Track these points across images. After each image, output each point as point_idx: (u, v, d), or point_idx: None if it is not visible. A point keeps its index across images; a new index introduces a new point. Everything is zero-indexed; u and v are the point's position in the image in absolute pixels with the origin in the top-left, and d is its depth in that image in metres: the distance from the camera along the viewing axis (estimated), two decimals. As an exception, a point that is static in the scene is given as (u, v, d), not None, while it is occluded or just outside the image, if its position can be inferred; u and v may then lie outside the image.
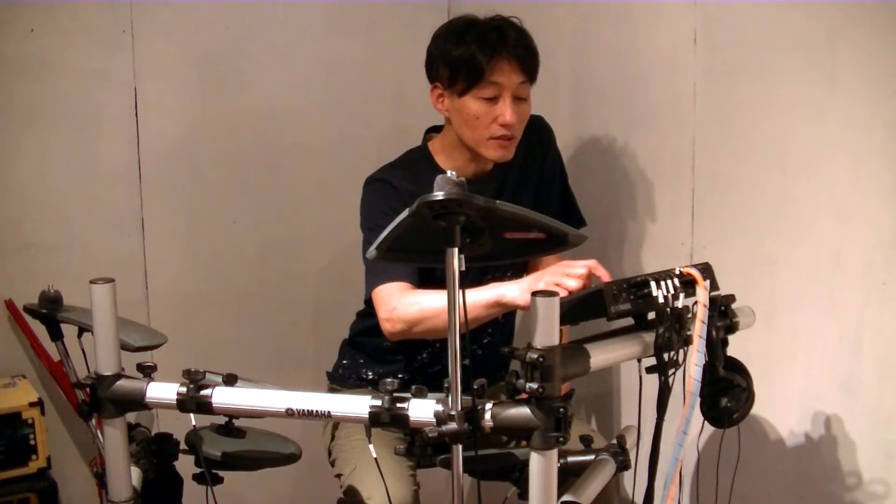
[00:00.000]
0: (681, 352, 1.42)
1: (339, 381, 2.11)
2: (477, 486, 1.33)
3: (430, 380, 1.96)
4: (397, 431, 1.79)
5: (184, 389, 1.38)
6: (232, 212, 2.51)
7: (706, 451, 1.80)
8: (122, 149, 2.34)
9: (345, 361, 2.11)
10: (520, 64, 1.82)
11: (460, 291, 1.21)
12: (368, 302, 1.93)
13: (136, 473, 1.49)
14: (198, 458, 1.51)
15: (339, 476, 1.87)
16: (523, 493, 1.37)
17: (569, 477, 1.50)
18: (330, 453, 1.96)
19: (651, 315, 1.43)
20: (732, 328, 1.54)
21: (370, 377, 2.04)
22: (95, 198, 2.32)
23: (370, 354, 2.06)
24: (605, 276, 1.60)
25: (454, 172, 1.17)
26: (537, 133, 2.03)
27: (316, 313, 2.64)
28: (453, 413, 1.23)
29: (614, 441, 1.56)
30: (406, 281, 1.83)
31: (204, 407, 1.38)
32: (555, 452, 1.24)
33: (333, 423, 1.96)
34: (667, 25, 2.01)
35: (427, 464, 1.53)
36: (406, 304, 1.78)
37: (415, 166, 1.96)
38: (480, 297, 1.70)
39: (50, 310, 1.56)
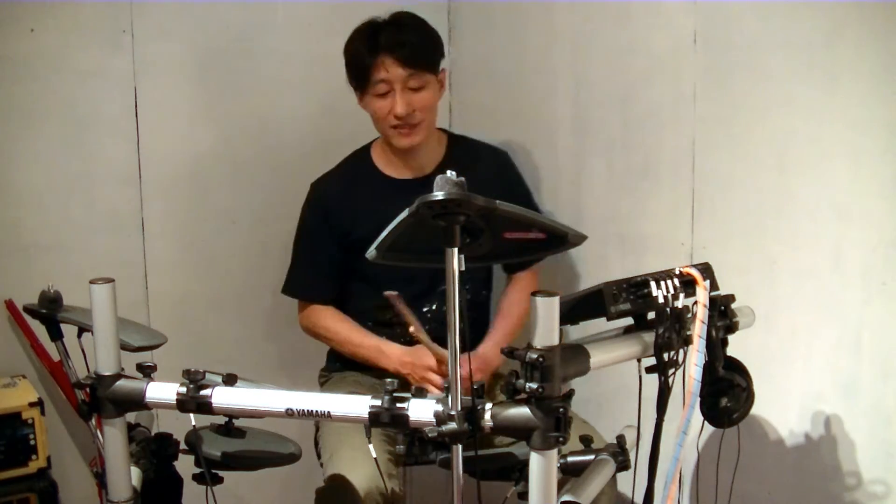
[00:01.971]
0: (681, 352, 1.42)
1: (328, 370, 2.25)
2: (477, 487, 1.33)
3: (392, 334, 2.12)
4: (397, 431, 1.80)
5: (184, 389, 1.38)
6: (232, 212, 2.51)
7: (706, 451, 1.80)
8: (122, 149, 2.34)
9: (330, 352, 2.25)
10: (399, 59, 1.94)
11: (460, 291, 1.21)
12: (342, 300, 2.19)
13: (136, 473, 1.49)
14: (198, 458, 1.51)
15: (322, 465, 1.90)
16: (523, 493, 1.37)
17: (569, 477, 1.50)
18: (316, 444, 2.00)
19: (651, 315, 1.43)
20: (732, 328, 1.54)
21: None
22: (95, 198, 2.32)
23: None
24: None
25: (454, 172, 1.17)
26: (495, 166, 2.16)
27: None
28: (453, 413, 1.23)
29: (614, 441, 1.56)
30: (318, 303, 2.16)
31: (204, 407, 1.38)
32: (555, 452, 1.24)
33: None
34: (667, 25, 2.01)
35: (424, 460, 1.53)
36: (312, 326, 2.18)
37: (352, 169, 2.15)
38: (364, 342, 2.07)
39: (50, 310, 1.56)
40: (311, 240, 2.17)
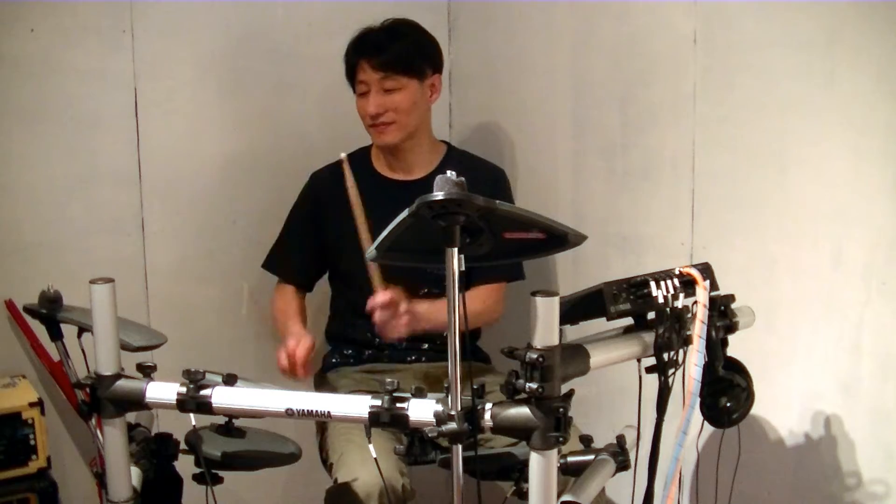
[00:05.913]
0: (680, 352, 1.42)
1: (324, 368, 2.27)
2: (477, 486, 1.33)
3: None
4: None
5: (184, 389, 1.38)
6: (232, 212, 2.51)
7: (706, 451, 1.80)
8: (122, 149, 2.34)
9: (327, 353, 2.28)
10: (375, 63, 2.08)
11: (460, 292, 1.21)
12: (333, 299, 2.32)
13: (136, 473, 1.49)
14: (198, 458, 1.51)
15: (331, 466, 1.90)
16: (523, 493, 1.37)
17: (569, 477, 1.50)
18: (321, 448, 1.99)
19: (651, 315, 1.43)
20: (732, 328, 1.54)
21: (348, 352, 2.22)
22: (95, 198, 2.32)
23: (338, 337, 2.28)
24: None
25: (454, 172, 1.17)
26: (488, 180, 2.20)
27: (315, 313, 2.64)
28: (453, 413, 1.23)
29: (614, 441, 1.56)
30: (287, 283, 2.27)
31: (204, 407, 1.38)
32: (555, 452, 1.24)
33: None
34: (667, 25, 2.01)
35: (424, 460, 1.53)
36: (271, 304, 2.28)
37: (351, 166, 2.18)
38: (284, 324, 2.16)
39: (50, 310, 1.56)
40: (294, 222, 2.29)
